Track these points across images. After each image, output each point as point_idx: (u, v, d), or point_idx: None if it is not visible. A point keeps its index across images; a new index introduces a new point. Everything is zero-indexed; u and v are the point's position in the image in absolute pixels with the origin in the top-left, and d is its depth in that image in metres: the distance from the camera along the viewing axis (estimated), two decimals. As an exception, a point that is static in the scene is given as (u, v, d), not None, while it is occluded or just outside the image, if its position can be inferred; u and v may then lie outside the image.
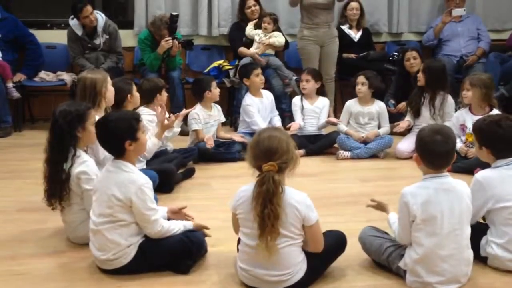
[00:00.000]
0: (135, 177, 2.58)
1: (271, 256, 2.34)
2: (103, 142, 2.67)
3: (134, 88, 3.85)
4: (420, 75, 4.79)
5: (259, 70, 5.15)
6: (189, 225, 2.76)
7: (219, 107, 4.94)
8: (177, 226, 2.68)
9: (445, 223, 2.42)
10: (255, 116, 5.01)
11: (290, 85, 5.85)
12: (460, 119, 4.48)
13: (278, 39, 5.92)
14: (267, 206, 2.29)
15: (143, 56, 5.84)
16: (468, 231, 2.49)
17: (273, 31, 5.94)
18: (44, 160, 2.90)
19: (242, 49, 5.97)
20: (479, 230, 2.68)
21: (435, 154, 2.45)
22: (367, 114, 4.93)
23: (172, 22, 5.61)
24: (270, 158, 2.32)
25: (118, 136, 2.58)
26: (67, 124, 2.82)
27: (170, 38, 5.59)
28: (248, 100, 5.10)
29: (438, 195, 2.44)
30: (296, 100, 5.12)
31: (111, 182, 2.58)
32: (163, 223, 2.63)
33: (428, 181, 2.48)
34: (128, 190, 2.54)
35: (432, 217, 2.42)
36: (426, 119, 4.74)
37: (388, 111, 5.16)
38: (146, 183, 2.58)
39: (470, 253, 2.51)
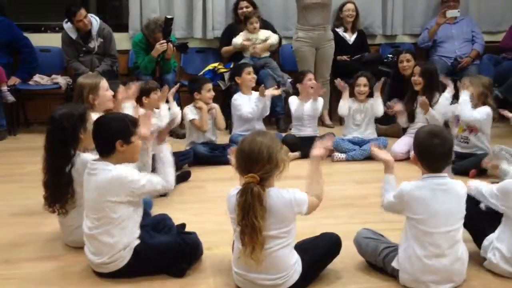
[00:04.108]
0: (115, 174, 2.52)
1: (257, 265, 2.33)
2: (96, 137, 2.62)
3: (120, 92, 3.75)
4: (419, 79, 4.79)
5: (250, 69, 5.19)
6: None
7: (214, 104, 4.93)
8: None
9: (440, 223, 2.43)
10: (241, 108, 5.03)
11: (284, 87, 5.86)
12: (456, 111, 4.49)
13: (272, 39, 6.00)
14: (245, 218, 2.28)
15: (137, 59, 5.84)
16: (460, 231, 2.50)
17: (260, 27, 6.01)
18: (43, 168, 2.85)
19: (225, 48, 6.02)
20: (483, 229, 2.69)
21: (434, 157, 2.48)
22: (363, 110, 4.96)
23: (166, 25, 5.60)
24: (251, 169, 2.30)
25: (111, 134, 2.56)
26: (72, 126, 2.80)
27: (164, 41, 5.59)
28: (236, 96, 5.16)
29: (436, 195, 2.45)
30: (293, 98, 5.12)
31: (93, 186, 2.56)
32: (154, 179, 2.63)
33: (426, 181, 2.50)
34: (113, 190, 2.51)
35: (428, 217, 2.43)
36: (421, 120, 4.77)
37: (385, 112, 5.18)
38: (124, 175, 2.53)
39: (464, 252, 2.52)
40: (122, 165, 2.58)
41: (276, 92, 5.13)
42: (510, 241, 2.58)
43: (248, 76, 5.12)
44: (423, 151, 2.50)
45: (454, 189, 2.50)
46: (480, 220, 2.72)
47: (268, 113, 5.24)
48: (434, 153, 2.46)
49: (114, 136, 2.56)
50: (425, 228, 2.43)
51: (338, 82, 5.03)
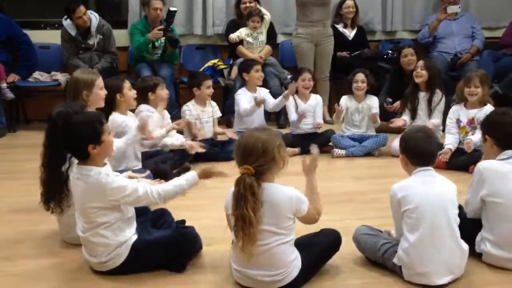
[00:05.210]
0: (100, 181, 2.50)
1: (249, 259, 2.33)
2: (67, 146, 2.61)
3: (126, 86, 3.79)
4: (421, 72, 4.77)
5: (259, 67, 5.23)
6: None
7: (214, 103, 4.94)
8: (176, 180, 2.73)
9: (433, 206, 2.46)
10: (241, 103, 5.05)
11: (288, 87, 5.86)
12: (455, 113, 4.48)
13: (266, 19, 5.95)
14: (237, 208, 2.30)
15: (132, 40, 5.86)
16: (457, 221, 2.52)
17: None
18: (41, 165, 2.85)
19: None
20: (474, 226, 2.70)
21: (418, 149, 2.56)
22: (361, 110, 4.94)
23: (169, 17, 5.64)
24: (246, 161, 2.32)
25: (81, 140, 2.51)
26: None
27: (162, 27, 5.62)
28: (240, 91, 5.19)
29: (425, 182, 2.52)
30: (290, 101, 5.11)
31: (81, 192, 2.54)
32: (150, 188, 2.57)
33: (415, 175, 2.57)
34: (100, 196, 2.49)
35: (420, 202, 2.46)
36: (422, 118, 4.76)
37: (385, 109, 5.17)
38: (111, 181, 2.50)
39: (463, 245, 2.53)
40: (106, 168, 2.57)
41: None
42: (492, 225, 2.63)
43: (256, 74, 5.13)
44: (409, 144, 2.60)
45: (443, 178, 2.58)
46: (468, 223, 2.70)
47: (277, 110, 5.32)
48: (418, 146, 2.56)
49: (84, 142, 2.51)
50: (418, 215, 2.46)
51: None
